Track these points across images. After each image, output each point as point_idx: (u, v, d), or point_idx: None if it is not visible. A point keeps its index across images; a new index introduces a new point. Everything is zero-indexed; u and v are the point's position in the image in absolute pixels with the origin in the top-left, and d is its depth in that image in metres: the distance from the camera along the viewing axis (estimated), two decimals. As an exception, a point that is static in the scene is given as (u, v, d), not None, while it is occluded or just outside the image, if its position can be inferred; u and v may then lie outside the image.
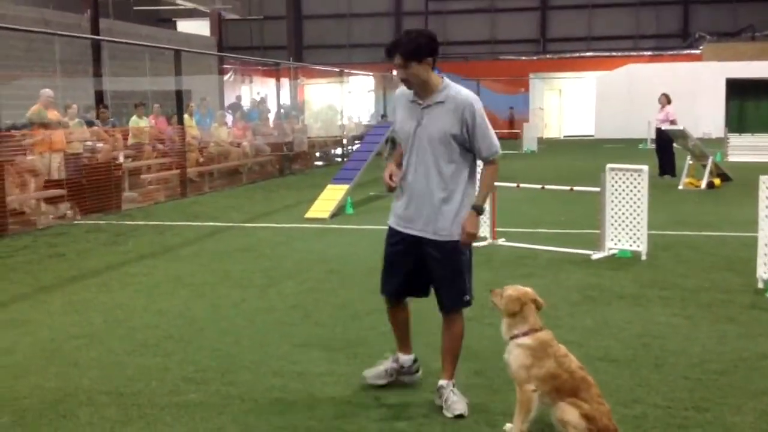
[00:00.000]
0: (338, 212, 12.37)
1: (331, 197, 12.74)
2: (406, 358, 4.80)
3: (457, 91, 4.35)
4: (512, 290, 4.12)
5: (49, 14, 21.22)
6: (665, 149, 17.10)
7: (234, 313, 6.58)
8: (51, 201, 12.16)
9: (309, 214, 12.11)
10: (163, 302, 6.97)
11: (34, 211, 11.91)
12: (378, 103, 32.63)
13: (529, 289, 4.13)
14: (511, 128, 34.60)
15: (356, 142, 25.08)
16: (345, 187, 13.03)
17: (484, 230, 9.48)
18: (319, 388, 4.80)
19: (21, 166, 11.71)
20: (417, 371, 4.86)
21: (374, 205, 13.54)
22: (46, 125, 12.56)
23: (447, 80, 4.40)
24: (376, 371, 4.81)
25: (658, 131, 17.12)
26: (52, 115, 12.99)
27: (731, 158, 20.76)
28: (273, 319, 6.39)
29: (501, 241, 9.49)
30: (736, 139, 22.64)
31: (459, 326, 4.51)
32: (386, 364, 4.81)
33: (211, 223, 11.64)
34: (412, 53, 4.28)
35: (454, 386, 4.44)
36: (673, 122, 16.77)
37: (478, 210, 4.39)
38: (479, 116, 4.30)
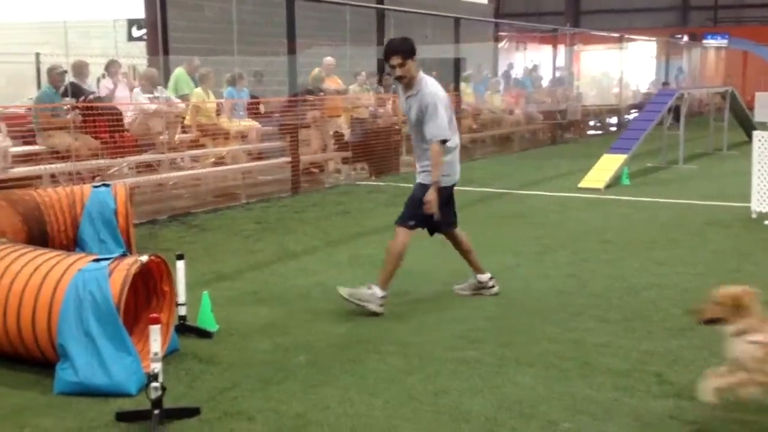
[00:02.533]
0: (613, 183, 11.99)
1: (606, 167, 12.38)
2: (482, 276, 6.06)
3: (425, 83, 5.61)
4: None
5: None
6: None
7: (508, 276, 6.66)
8: (337, 162, 13.03)
9: (583, 184, 11.87)
10: (436, 260, 7.23)
11: (324, 171, 12.83)
12: (659, 71, 30.94)
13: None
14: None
15: (633, 110, 24.06)
16: (622, 157, 12.58)
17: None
18: (595, 358, 4.76)
19: (314, 129, 12.63)
20: (493, 286, 6.08)
21: (652, 177, 12.96)
22: (322, 91, 13.43)
23: (421, 74, 5.65)
24: (462, 285, 6.13)
25: None
26: (332, 82, 13.82)
27: None
28: (548, 287, 6.40)
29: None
30: None
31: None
32: (470, 281, 6.10)
33: (483, 189, 11.83)
34: (409, 52, 5.56)
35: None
36: None
37: (434, 184, 5.58)
38: (431, 106, 5.49)
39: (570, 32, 26.10)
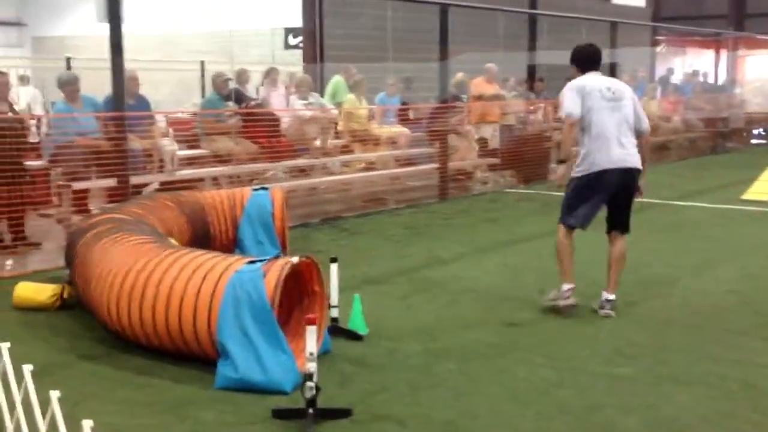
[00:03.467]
0: (781, 195, 11.29)
1: (774, 178, 11.68)
2: (609, 295, 5.79)
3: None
4: None
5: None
6: None
7: (667, 291, 6.41)
8: (486, 169, 12.95)
9: (747, 196, 11.23)
10: (593, 272, 7.01)
11: (472, 178, 12.79)
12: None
13: None
14: None
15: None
16: (791, 168, 11.83)
17: None
18: (760, 380, 4.48)
19: (463, 135, 12.61)
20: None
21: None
22: (481, 98, 13.36)
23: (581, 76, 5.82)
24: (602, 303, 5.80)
25: None
26: (492, 88, 13.73)
27: None
28: (709, 303, 6.09)
29: None
30: None
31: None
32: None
33: (640, 199, 11.38)
34: (571, 60, 6.01)
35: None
36: None
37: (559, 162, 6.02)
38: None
39: (733, 36, 24.82)
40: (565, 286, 5.78)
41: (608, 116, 5.61)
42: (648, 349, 5.03)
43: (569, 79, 5.95)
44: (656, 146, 17.86)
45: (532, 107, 15.24)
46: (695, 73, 23.37)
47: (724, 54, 24.49)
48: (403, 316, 5.77)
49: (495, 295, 6.33)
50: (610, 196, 5.78)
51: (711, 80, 22.63)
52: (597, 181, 5.68)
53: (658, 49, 27.72)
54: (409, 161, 11.79)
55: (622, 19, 19.13)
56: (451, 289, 6.55)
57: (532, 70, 19.68)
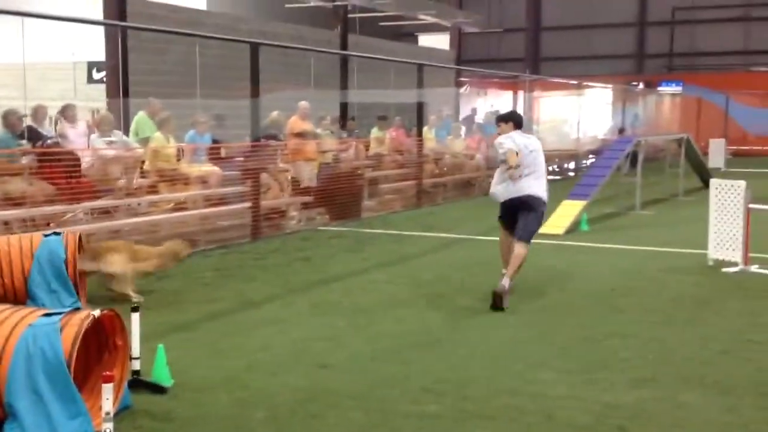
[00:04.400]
0: (573, 228, 12.10)
1: (566, 213, 12.49)
2: (506, 281, 7.36)
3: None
4: None
5: (304, 31, 22.66)
6: None
7: (469, 325, 6.63)
8: (300, 207, 12.96)
9: (543, 230, 11.89)
10: (402, 310, 7.18)
11: (285, 216, 12.74)
12: (616, 116, 31.51)
13: None
14: (762, 144, 31.94)
15: (590, 156, 24.40)
16: (582, 203, 12.72)
17: (736, 255, 8.85)
18: (556, 411, 4.72)
19: (275, 174, 12.56)
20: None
21: (610, 223, 13.10)
22: (301, 135, 13.41)
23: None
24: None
25: None
26: (307, 125, 13.81)
27: None
28: (507, 336, 6.37)
29: (755, 268, 8.80)
30: None
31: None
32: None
33: (446, 234, 11.84)
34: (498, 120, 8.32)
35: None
36: None
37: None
38: None
39: (529, 78, 26.54)
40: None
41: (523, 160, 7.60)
42: (454, 386, 5.16)
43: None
44: (461, 183, 18.70)
45: (344, 145, 15.48)
46: (496, 113, 24.72)
47: (521, 95, 26.12)
48: (212, 364, 5.59)
49: (306, 337, 6.28)
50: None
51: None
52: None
53: (462, 89, 29.12)
54: (220, 200, 11.57)
55: (429, 62, 19.96)
56: (262, 332, 6.44)
57: (344, 109, 20.06)
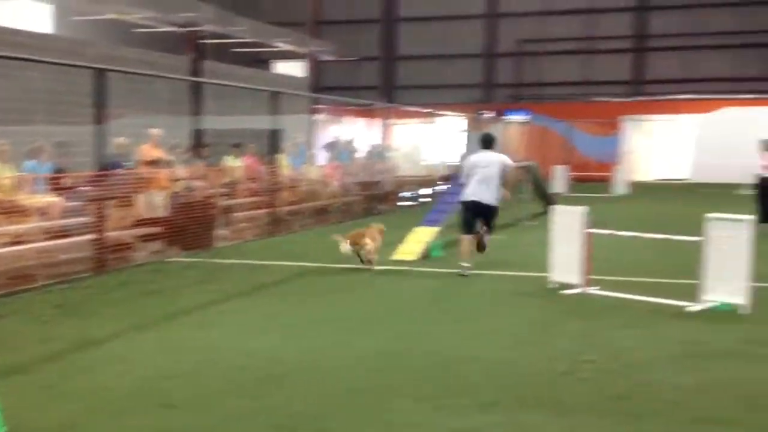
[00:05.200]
0: (427, 254, 12.31)
1: (419, 239, 12.69)
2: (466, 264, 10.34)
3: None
4: None
5: (155, 56, 22.11)
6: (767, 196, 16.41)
7: (323, 356, 6.58)
8: (148, 238, 12.51)
9: (397, 256, 12.08)
10: (255, 342, 7.04)
11: (132, 248, 12.26)
12: (469, 144, 32.57)
13: None
14: (602, 170, 33.92)
15: (443, 182, 25.03)
16: (434, 229, 12.98)
17: (575, 277, 9.28)
18: (409, 439, 4.74)
19: (123, 204, 12.10)
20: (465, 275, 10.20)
21: (463, 248, 13.42)
22: (153, 163, 12.99)
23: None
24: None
25: (763, 178, 16.47)
26: (159, 153, 13.42)
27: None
28: (362, 365, 6.36)
29: (593, 290, 9.25)
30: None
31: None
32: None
33: (300, 263, 11.76)
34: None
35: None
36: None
37: None
38: None
39: (384, 106, 27.02)
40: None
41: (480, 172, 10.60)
42: (306, 418, 5.09)
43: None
44: (316, 210, 18.68)
45: (198, 173, 15.12)
46: (351, 141, 24.99)
47: (376, 122, 26.53)
48: (48, 408, 5.26)
49: (152, 375, 6.04)
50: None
51: (368, 147, 24.30)
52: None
53: (317, 117, 29.26)
54: (62, 233, 11.00)
55: (283, 89, 19.88)
56: (104, 372, 6.14)
57: (198, 136, 19.66)
